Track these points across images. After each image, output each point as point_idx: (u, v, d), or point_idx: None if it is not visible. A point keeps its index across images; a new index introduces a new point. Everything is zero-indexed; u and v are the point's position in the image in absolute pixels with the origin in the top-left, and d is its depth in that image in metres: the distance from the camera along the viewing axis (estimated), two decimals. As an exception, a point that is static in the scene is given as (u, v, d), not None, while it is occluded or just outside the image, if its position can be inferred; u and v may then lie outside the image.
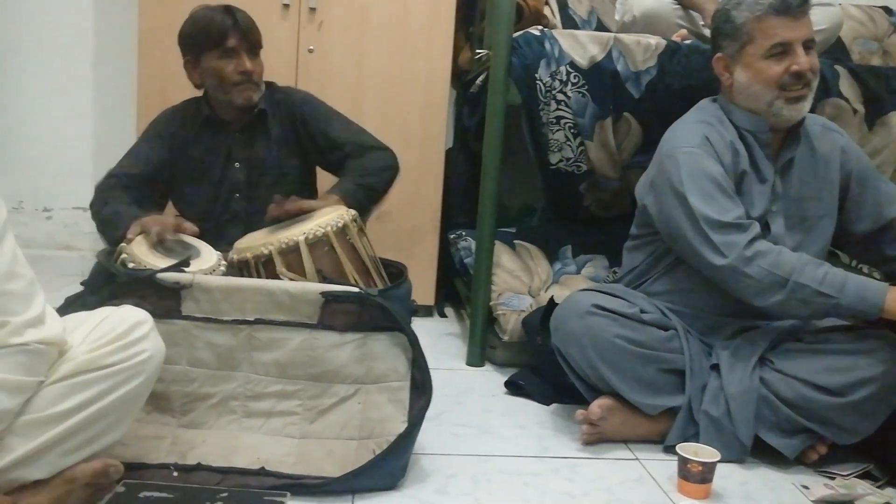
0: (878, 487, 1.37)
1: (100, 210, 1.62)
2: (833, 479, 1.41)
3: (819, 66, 1.51)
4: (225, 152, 1.75)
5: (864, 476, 1.42)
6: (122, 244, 1.43)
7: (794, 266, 1.38)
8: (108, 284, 1.31)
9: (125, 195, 1.64)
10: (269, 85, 1.79)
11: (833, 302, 1.36)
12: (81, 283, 1.41)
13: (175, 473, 1.20)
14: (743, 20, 1.48)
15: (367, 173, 1.70)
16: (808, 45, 1.47)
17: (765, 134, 1.53)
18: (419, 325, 1.40)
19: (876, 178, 1.62)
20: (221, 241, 1.57)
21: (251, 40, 1.70)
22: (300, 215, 1.52)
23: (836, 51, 2.22)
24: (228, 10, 1.69)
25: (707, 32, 1.93)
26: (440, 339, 2.22)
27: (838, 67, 1.92)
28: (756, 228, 1.44)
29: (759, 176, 1.54)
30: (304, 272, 1.40)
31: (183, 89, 1.81)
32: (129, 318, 1.06)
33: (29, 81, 2.61)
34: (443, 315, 2.50)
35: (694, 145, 1.50)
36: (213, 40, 1.67)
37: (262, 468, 1.22)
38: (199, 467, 1.22)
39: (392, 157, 1.78)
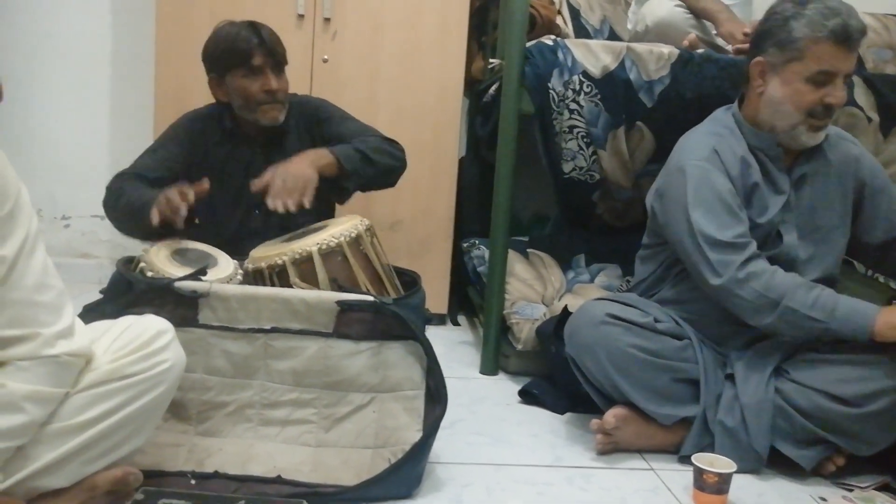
0: (897, 499, 1.36)
1: (115, 204, 1.58)
2: (851, 490, 1.40)
3: (846, 99, 1.48)
4: (244, 167, 1.74)
5: (882, 488, 1.41)
6: (141, 253, 1.45)
7: (786, 289, 1.38)
8: (127, 293, 1.32)
9: (140, 184, 1.59)
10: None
11: (823, 326, 1.36)
12: (100, 292, 1.43)
13: (193, 481, 1.21)
14: (800, 35, 1.42)
15: (367, 146, 1.67)
16: (845, 78, 1.45)
17: (774, 150, 1.53)
18: (432, 334, 1.41)
19: (890, 188, 1.61)
20: (240, 254, 1.56)
21: (277, 58, 1.68)
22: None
23: (850, 59, 2.21)
24: (253, 26, 1.67)
25: (720, 41, 1.93)
26: (453, 347, 2.22)
27: (852, 76, 1.91)
28: (753, 247, 1.44)
29: (775, 188, 1.53)
30: (317, 282, 1.41)
31: (199, 99, 1.82)
32: (150, 328, 1.07)
33: (47, 92, 2.66)
34: (456, 323, 2.50)
35: (702, 158, 1.49)
36: (238, 59, 1.64)
37: (279, 476, 1.23)
38: (216, 475, 1.23)
39: (398, 148, 1.75)
